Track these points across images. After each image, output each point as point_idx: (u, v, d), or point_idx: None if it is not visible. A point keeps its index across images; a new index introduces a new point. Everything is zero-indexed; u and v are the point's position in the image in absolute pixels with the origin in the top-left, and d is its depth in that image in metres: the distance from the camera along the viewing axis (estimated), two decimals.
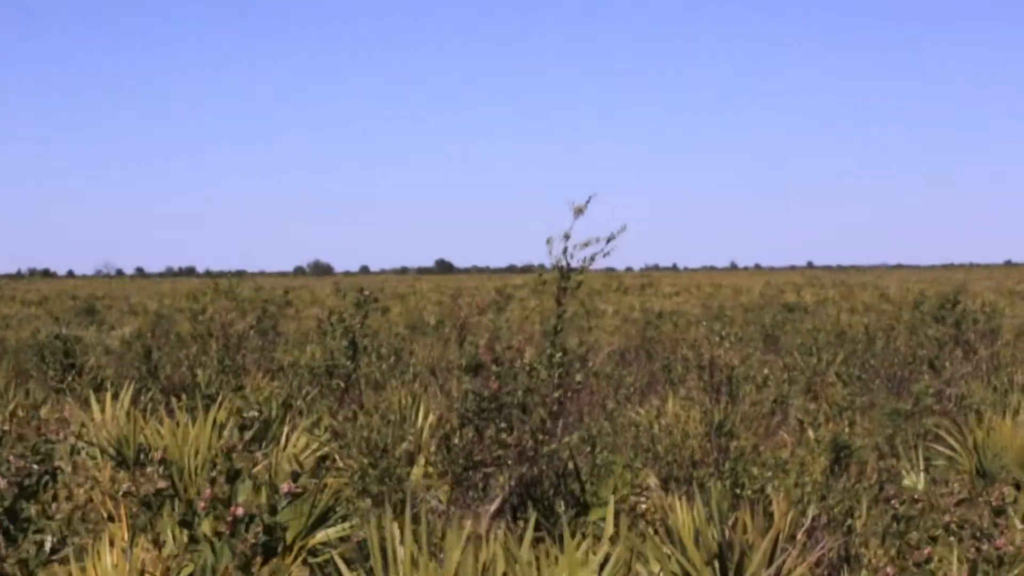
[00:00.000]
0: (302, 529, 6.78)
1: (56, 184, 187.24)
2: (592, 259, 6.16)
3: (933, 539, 4.06)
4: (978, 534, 3.74)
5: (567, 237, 6.11)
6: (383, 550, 3.55)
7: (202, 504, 2.43)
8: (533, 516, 3.98)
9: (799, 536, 5.46)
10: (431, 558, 3.51)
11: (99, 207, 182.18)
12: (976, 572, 3.73)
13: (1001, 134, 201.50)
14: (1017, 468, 8.14)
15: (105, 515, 5.35)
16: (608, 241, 6.05)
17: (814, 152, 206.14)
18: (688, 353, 10.91)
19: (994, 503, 3.87)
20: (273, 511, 2.51)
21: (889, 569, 3.86)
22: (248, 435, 7.93)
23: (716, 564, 5.16)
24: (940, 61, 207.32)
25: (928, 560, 3.73)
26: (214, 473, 2.45)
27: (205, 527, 2.38)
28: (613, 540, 4.14)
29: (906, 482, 8.13)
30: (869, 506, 5.86)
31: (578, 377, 6.25)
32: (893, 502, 4.58)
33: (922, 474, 8.05)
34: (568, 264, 6.19)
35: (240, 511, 2.43)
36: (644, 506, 7.09)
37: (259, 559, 2.43)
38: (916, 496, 4.54)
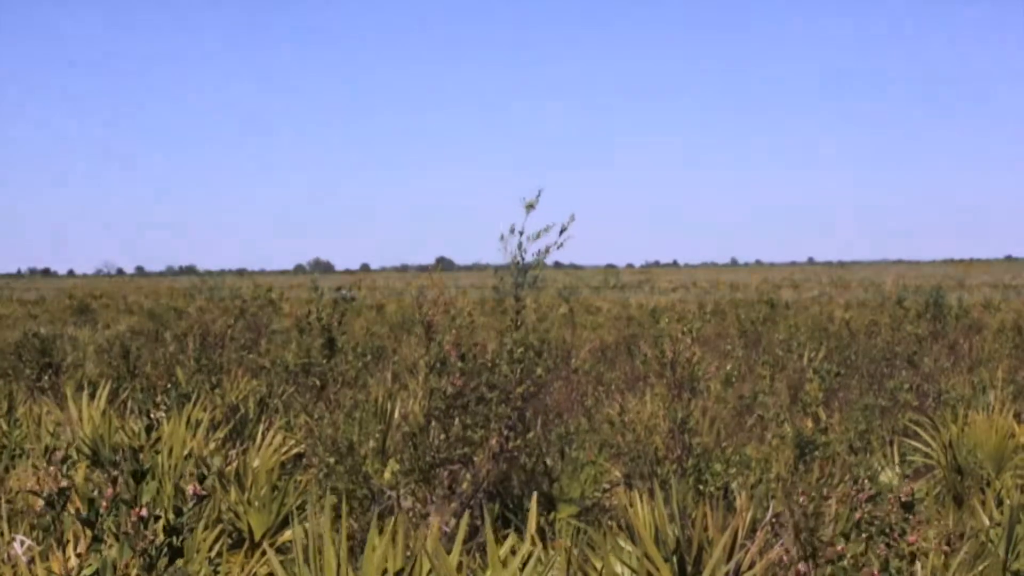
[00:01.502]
0: (271, 526, 6.82)
1: (58, 184, 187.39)
2: (547, 252, 6.15)
3: (846, 536, 4.07)
4: (887, 530, 3.76)
5: (521, 232, 6.11)
6: (307, 548, 3.58)
7: (104, 503, 2.47)
8: (466, 516, 4.00)
9: (760, 532, 5.48)
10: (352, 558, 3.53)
11: (100, 207, 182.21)
12: (887, 569, 3.74)
13: (1000, 131, 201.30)
14: (990, 463, 8.16)
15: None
16: (561, 232, 6.04)
17: (813, 149, 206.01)
18: (649, 351, 10.88)
19: (903, 498, 3.88)
20: (178, 512, 2.54)
21: (801, 566, 3.88)
22: (222, 433, 8.01)
23: (675, 560, 5.18)
24: (941, 58, 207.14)
25: (840, 557, 3.74)
26: (115, 472, 2.48)
27: (109, 526, 2.41)
28: (534, 541, 4.17)
29: (882, 478, 8.13)
30: (838, 503, 5.88)
31: (539, 371, 6.24)
32: (802, 499, 4.60)
33: (897, 470, 8.07)
34: (523, 259, 6.19)
35: (144, 513, 2.46)
36: (615, 502, 7.11)
37: (164, 560, 2.46)
38: (825, 492, 4.56)
